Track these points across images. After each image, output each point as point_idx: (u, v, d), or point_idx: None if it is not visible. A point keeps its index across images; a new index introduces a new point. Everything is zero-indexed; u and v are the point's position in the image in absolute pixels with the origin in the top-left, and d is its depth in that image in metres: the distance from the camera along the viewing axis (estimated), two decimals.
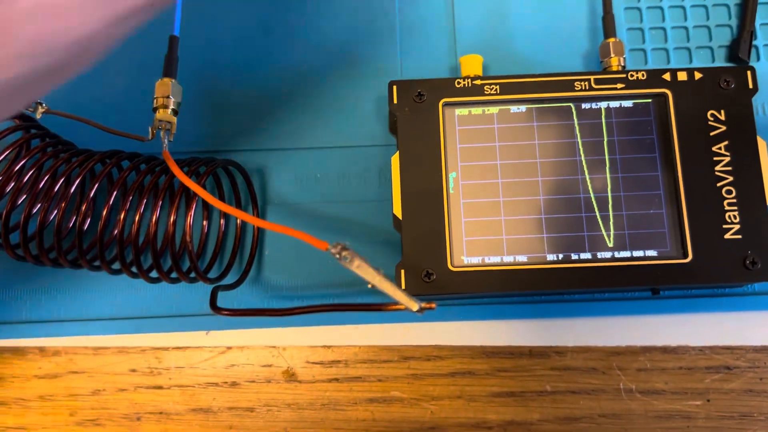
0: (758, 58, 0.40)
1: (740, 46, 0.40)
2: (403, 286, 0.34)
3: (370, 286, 0.28)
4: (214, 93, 0.40)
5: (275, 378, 0.38)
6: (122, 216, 0.32)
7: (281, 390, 0.38)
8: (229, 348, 0.38)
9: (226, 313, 0.31)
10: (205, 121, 0.40)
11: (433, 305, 0.27)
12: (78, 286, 0.38)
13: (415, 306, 0.27)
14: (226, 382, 0.38)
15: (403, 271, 0.34)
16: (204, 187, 0.37)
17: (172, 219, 0.32)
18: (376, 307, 0.28)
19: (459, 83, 0.36)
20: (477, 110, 0.36)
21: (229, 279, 0.37)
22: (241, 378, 0.38)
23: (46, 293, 0.38)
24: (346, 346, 0.38)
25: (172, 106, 0.35)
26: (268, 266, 0.38)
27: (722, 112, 0.35)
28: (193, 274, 0.34)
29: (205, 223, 0.38)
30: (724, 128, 0.35)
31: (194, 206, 0.32)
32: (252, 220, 0.30)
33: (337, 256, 0.28)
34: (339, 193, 0.39)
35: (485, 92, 0.36)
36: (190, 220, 0.32)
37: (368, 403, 0.37)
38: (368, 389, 0.37)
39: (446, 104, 0.36)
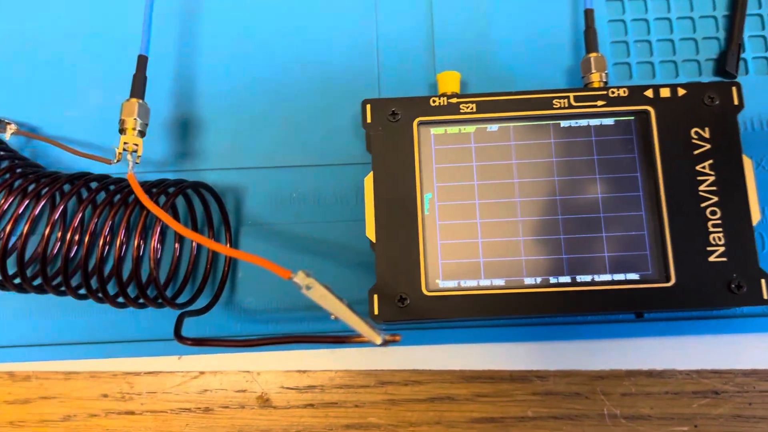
0: (747, 72, 0.39)
1: (728, 60, 0.38)
2: (376, 311, 0.33)
3: (333, 317, 0.27)
4: (186, 111, 0.40)
5: (249, 403, 0.37)
6: (86, 239, 0.32)
7: (255, 416, 0.37)
8: (202, 373, 0.37)
9: (189, 343, 0.30)
10: (177, 140, 0.39)
11: (398, 338, 0.26)
12: (48, 310, 0.37)
13: (378, 339, 0.26)
14: (199, 408, 0.37)
15: (376, 296, 0.33)
16: (174, 207, 0.36)
17: (135, 243, 0.31)
18: (339, 339, 0.27)
19: (434, 101, 0.35)
20: (453, 129, 0.35)
21: (202, 302, 0.36)
22: (215, 403, 0.37)
23: (15, 317, 0.37)
24: (322, 370, 0.37)
25: (138, 128, 0.34)
26: (242, 289, 0.37)
27: (707, 129, 0.34)
28: (160, 300, 0.33)
29: (176, 246, 0.37)
30: (708, 146, 0.34)
31: (158, 230, 0.31)
32: (211, 245, 0.29)
33: (299, 286, 0.27)
34: (315, 213, 0.38)
35: (461, 111, 0.35)
36: (154, 243, 0.31)
37: (345, 430, 0.36)
38: (345, 415, 0.36)
39: (421, 123, 0.35)
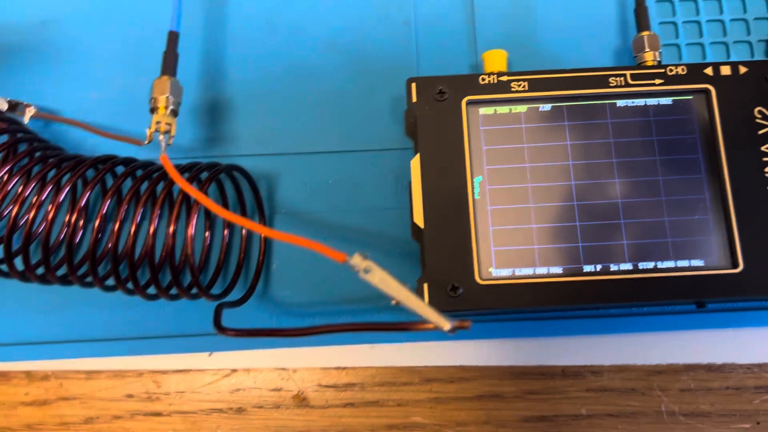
0: None
1: None
2: (427, 302, 0.31)
3: (394, 302, 0.25)
4: (217, 94, 0.38)
5: (285, 403, 0.34)
6: (116, 227, 0.29)
7: (292, 416, 0.34)
8: (234, 370, 0.35)
9: (231, 333, 0.28)
10: (208, 124, 0.37)
11: (468, 323, 0.24)
12: (68, 305, 0.35)
13: (446, 325, 0.24)
14: (231, 408, 0.35)
15: (426, 285, 0.31)
16: (206, 194, 0.34)
17: (171, 230, 0.29)
18: (402, 327, 0.25)
19: (483, 80, 0.33)
20: (503, 109, 0.33)
21: (234, 295, 0.34)
22: (248, 403, 0.35)
23: (33, 312, 0.35)
24: (362, 367, 0.35)
25: (171, 107, 0.32)
26: (277, 281, 0.35)
27: None
28: (194, 290, 0.31)
29: (207, 234, 0.35)
30: None
31: (195, 216, 0.29)
32: (261, 230, 0.27)
33: (357, 268, 0.25)
34: (352, 201, 0.36)
35: (512, 89, 0.33)
36: (191, 230, 0.29)
37: (387, 430, 0.34)
38: (386, 415, 0.34)
39: (470, 102, 0.33)
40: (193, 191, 0.28)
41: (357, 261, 0.25)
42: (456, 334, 0.24)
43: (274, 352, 0.35)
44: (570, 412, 0.34)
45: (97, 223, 0.30)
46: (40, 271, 0.31)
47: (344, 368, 0.35)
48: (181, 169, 0.31)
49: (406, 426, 0.34)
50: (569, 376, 0.34)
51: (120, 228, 0.29)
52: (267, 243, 0.35)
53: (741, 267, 0.31)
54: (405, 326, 0.25)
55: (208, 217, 0.35)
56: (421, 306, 0.24)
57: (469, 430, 0.34)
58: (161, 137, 0.31)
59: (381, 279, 0.25)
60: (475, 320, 0.34)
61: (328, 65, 0.38)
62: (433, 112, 0.33)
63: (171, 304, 0.35)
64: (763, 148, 0.32)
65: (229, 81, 0.38)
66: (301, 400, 0.35)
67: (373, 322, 0.29)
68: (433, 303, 0.31)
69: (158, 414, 0.35)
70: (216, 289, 0.34)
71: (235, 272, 0.34)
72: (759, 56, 0.38)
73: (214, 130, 0.37)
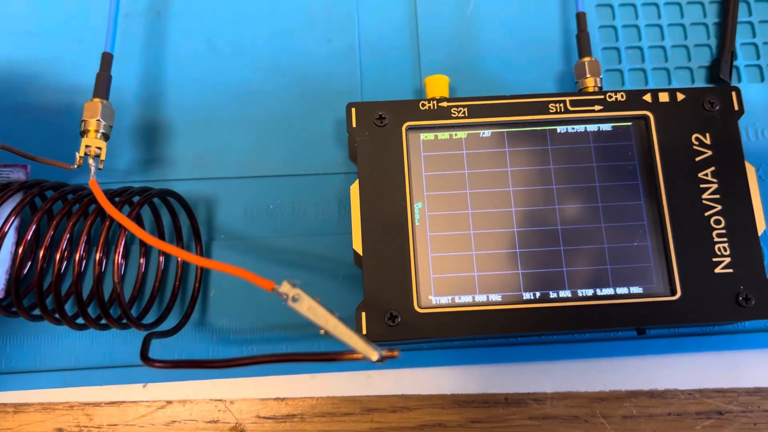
0: (740, 80, 0.38)
1: (721, 67, 0.37)
2: (365, 331, 0.30)
3: (322, 332, 0.24)
4: (155, 116, 0.37)
5: None
6: (41, 254, 0.28)
7: None
8: (170, 402, 0.34)
9: (159, 365, 0.27)
10: (145, 146, 0.36)
11: (396, 353, 0.23)
12: None
13: (374, 355, 0.23)
14: None
15: (364, 314, 0.30)
16: (140, 219, 0.33)
17: (97, 257, 0.28)
18: (331, 357, 0.24)
19: (424, 105, 0.33)
20: (444, 135, 0.33)
21: (170, 323, 0.33)
22: None
23: None
24: (302, 398, 0.34)
25: (102, 130, 0.31)
26: (214, 308, 0.34)
27: (707, 135, 0.32)
28: (124, 320, 0.30)
29: (142, 260, 0.34)
30: (710, 153, 0.32)
31: (122, 242, 0.28)
32: (186, 257, 0.26)
33: (285, 297, 0.24)
34: (294, 226, 0.35)
35: (452, 115, 0.33)
36: (117, 258, 0.28)
37: None
38: None
39: (410, 128, 0.33)
40: (120, 217, 0.27)
41: (285, 289, 0.24)
42: (385, 363, 0.24)
43: (211, 383, 0.34)
44: None
45: (20, 250, 0.28)
46: None
47: (283, 399, 0.34)
48: (112, 194, 0.30)
49: None
50: (512, 404, 0.34)
51: (44, 255, 0.28)
52: (204, 270, 0.34)
53: (679, 294, 0.31)
54: (333, 356, 0.24)
55: (143, 244, 0.34)
56: (349, 335, 0.24)
57: None
58: (91, 161, 0.30)
59: (309, 308, 0.24)
60: (416, 348, 0.34)
61: (270, 88, 0.37)
62: (373, 137, 0.32)
63: (103, 333, 0.33)
64: (700, 175, 0.32)
65: (167, 102, 0.37)
66: None
67: (300, 352, 0.28)
68: (371, 332, 0.30)
69: None
70: (150, 318, 0.33)
71: (170, 300, 0.33)
72: (700, 82, 0.38)
73: (152, 153, 0.36)
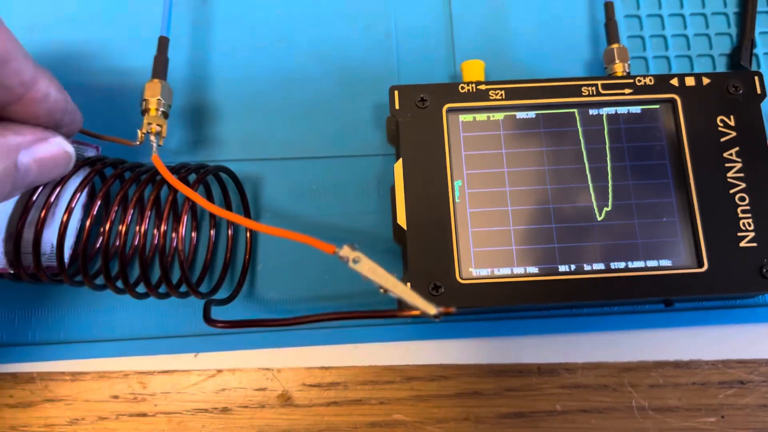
0: (759, 67, 0.40)
1: (741, 54, 0.39)
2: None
3: (381, 291, 0.26)
4: (203, 99, 0.38)
5: (270, 402, 0.35)
6: (107, 227, 0.30)
7: (276, 415, 0.35)
8: (220, 371, 0.36)
9: (221, 325, 0.29)
10: (194, 127, 0.38)
11: (452, 309, 0.25)
12: (52, 306, 0.35)
13: (432, 310, 0.25)
14: (216, 408, 0.35)
15: (408, 284, 0.32)
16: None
17: (163, 229, 0.30)
18: (389, 314, 0.26)
19: (463, 88, 0.35)
20: (482, 116, 0.35)
21: (220, 295, 0.35)
22: (233, 403, 0.35)
23: (17, 313, 0.35)
24: (345, 367, 0.36)
25: (162, 108, 0.33)
26: (262, 281, 0.36)
27: (731, 117, 0.34)
28: (183, 288, 0.32)
29: (194, 234, 0.35)
30: (734, 134, 0.34)
31: (186, 215, 0.30)
32: (251, 225, 0.28)
33: (346, 259, 0.26)
34: (335, 205, 0.37)
35: (490, 98, 0.34)
36: (182, 228, 0.30)
37: (370, 428, 0.35)
38: (369, 413, 0.35)
39: (450, 110, 0.34)
40: (186, 189, 0.29)
41: (346, 252, 0.26)
42: (441, 319, 0.25)
43: (259, 353, 0.35)
44: (545, 409, 0.35)
45: (87, 223, 0.30)
46: (31, 270, 0.31)
47: (328, 368, 0.36)
48: (171, 170, 0.32)
49: (389, 423, 0.35)
50: (545, 373, 0.36)
51: (110, 228, 0.30)
52: (252, 244, 0.36)
53: (706, 266, 0.32)
54: (392, 313, 0.26)
55: (195, 218, 0.35)
56: (408, 293, 0.25)
57: (449, 427, 0.35)
58: (152, 138, 0.32)
59: (369, 268, 0.26)
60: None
61: (311, 73, 0.39)
62: (415, 118, 0.34)
63: (156, 305, 0.35)
64: (725, 155, 0.34)
65: (215, 86, 0.39)
66: (285, 400, 0.35)
67: (358, 310, 0.29)
68: None
69: (143, 415, 0.35)
70: (203, 289, 0.34)
71: (222, 272, 0.35)
72: (721, 69, 0.40)
73: (200, 134, 0.38)
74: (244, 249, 0.36)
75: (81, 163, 0.32)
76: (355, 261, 0.26)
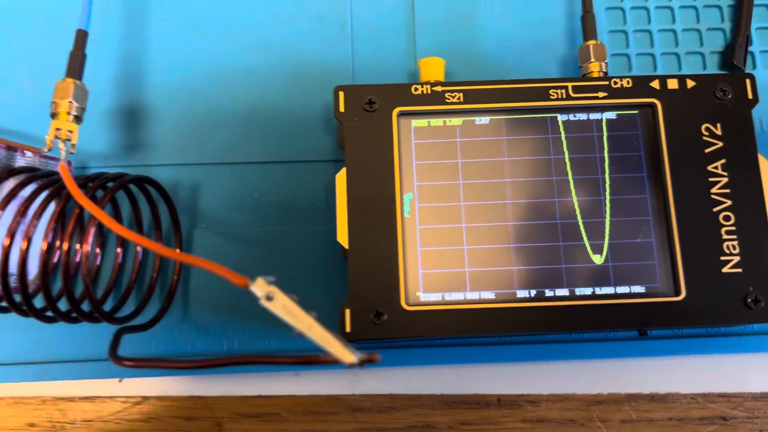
0: (754, 66, 0.36)
1: (735, 53, 0.35)
2: (348, 329, 0.28)
3: (296, 333, 0.22)
4: (137, 98, 0.35)
5: None
6: (5, 242, 0.27)
7: None
8: (146, 398, 0.32)
9: (127, 364, 0.25)
10: (126, 130, 0.34)
11: (377, 356, 0.22)
12: None
13: (351, 358, 0.21)
14: None
15: (348, 312, 0.29)
16: (117, 207, 0.32)
17: (65, 247, 0.27)
18: (308, 360, 0.23)
19: (416, 89, 0.31)
20: (437, 121, 0.31)
21: (149, 316, 0.32)
22: None
23: None
24: (284, 396, 0.32)
25: (74, 112, 0.29)
26: (195, 301, 0.33)
27: (718, 125, 0.30)
28: (96, 314, 0.28)
29: (119, 250, 0.32)
30: (720, 144, 0.30)
31: (91, 231, 0.26)
32: (148, 245, 0.24)
33: (258, 294, 0.23)
34: (279, 216, 0.34)
35: (446, 100, 0.31)
36: (87, 247, 0.26)
37: None
38: None
39: (401, 114, 0.31)
40: (87, 203, 0.26)
41: (259, 286, 0.23)
42: (365, 367, 0.22)
43: (190, 380, 0.32)
44: None
45: None
46: None
47: (265, 396, 0.32)
48: (84, 180, 0.29)
49: None
50: (505, 405, 0.32)
51: (9, 245, 0.27)
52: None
53: (683, 294, 0.29)
54: (306, 359, 0.22)
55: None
56: (325, 337, 0.22)
57: None
58: (61, 145, 0.29)
59: (283, 306, 0.22)
60: (404, 346, 0.32)
61: (258, 69, 0.35)
62: (362, 123, 0.30)
63: (77, 325, 0.32)
64: (709, 168, 0.30)
65: (150, 84, 0.35)
66: (218, 431, 0.32)
67: (276, 354, 0.26)
68: (355, 329, 0.29)
69: None
70: (126, 311, 0.31)
71: (147, 293, 0.32)
72: (712, 68, 0.36)
73: (133, 137, 0.34)
74: (174, 268, 0.32)
75: None
76: (268, 297, 0.23)
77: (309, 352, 0.22)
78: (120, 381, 0.32)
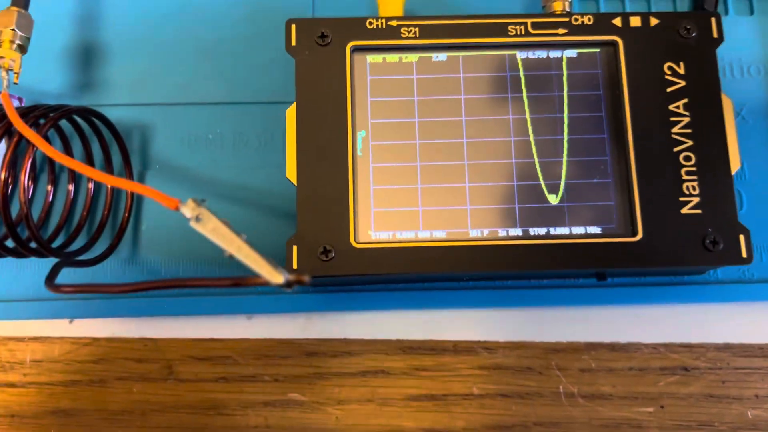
0: (726, 12, 0.35)
1: None
2: (295, 265, 0.28)
3: (227, 255, 0.22)
4: (91, 36, 0.34)
5: (151, 376, 0.31)
6: None
7: (158, 390, 0.31)
8: (96, 339, 0.32)
9: (65, 290, 0.25)
10: (79, 70, 0.34)
11: (305, 278, 0.21)
12: None
13: (279, 278, 0.21)
14: (92, 381, 0.31)
15: (295, 248, 0.28)
16: (68, 144, 0.31)
17: (2, 177, 0.26)
18: (234, 282, 0.22)
19: (371, 24, 0.30)
20: (393, 57, 0.30)
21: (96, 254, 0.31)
22: (111, 375, 0.31)
23: None
24: (237, 339, 0.32)
25: (17, 41, 0.29)
26: (146, 243, 0.32)
27: (681, 64, 0.30)
28: (33, 245, 0.28)
29: (70, 186, 0.31)
30: (683, 83, 0.29)
31: (28, 160, 0.26)
32: (89, 172, 0.24)
33: (188, 216, 0.22)
34: (234, 158, 0.33)
35: (402, 36, 0.30)
36: (24, 177, 0.26)
37: (262, 407, 0.31)
38: (262, 390, 0.31)
39: (355, 48, 0.30)
40: (28, 132, 0.25)
41: (189, 207, 0.22)
42: (293, 289, 0.21)
43: (141, 321, 0.32)
44: (460, 392, 0.31)
45: None
46: None
47: (218, 339, 0.32)
48: (25, 110, 0.28)
49: (284, 403, 0.31)
50: (461, 352, 0.32)
51: None
52: (136, 202, 0.32)
53: (640, 235, 0.28)
54: (235, 281, 0.22)
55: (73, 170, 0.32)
56: (254, 258, 0.21)
57: (350, 409, 0.31)
58: (4, 74, 0.28)
59: (213, 228, 0.22)
60: (360, 290, 0.32)
61: (215, 5, 0.35)
62: (314, 57, 0.30)
63: (27, 264, 0.31)
64: (671, 107, 0.29)
65: (103, 22, 0.34)
66: (169, 373, 0.32)
67: (201, 277, 0.26)
68: (302, 266, 0.28)
69: (12, 385, 0.31)
70: (76, 246, 0.31)
71: (97, 230, 0.31)
72: (683, 8, 0.35)
73: (86, 76, 0.34)
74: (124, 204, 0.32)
75: None
76: (197, 219, 0.22)
77: (240, 276, 0.22)
78: (70, 322, 0.32)
